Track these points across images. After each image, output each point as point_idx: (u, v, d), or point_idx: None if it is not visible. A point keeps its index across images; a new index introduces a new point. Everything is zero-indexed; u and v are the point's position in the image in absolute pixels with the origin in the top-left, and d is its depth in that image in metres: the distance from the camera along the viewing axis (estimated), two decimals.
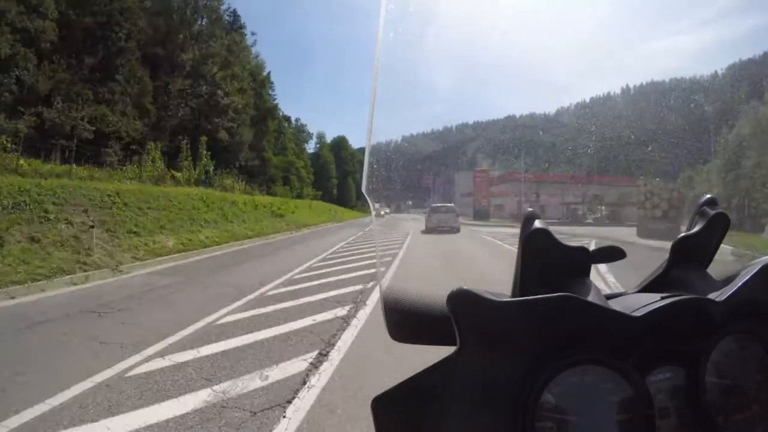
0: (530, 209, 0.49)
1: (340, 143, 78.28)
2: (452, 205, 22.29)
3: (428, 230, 19.77)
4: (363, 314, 5.11)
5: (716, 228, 0.54)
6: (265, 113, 39.29)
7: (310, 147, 71.87)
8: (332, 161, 71.26)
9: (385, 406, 0.41)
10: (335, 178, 70.23)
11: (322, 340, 4.17)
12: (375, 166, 0.65)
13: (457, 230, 19.63)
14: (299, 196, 45.43)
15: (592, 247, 0.54)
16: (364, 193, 0.56)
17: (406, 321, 0.47)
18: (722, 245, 0.56)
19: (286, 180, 44.61)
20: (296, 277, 7.77)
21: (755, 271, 0.45)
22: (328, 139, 76.94)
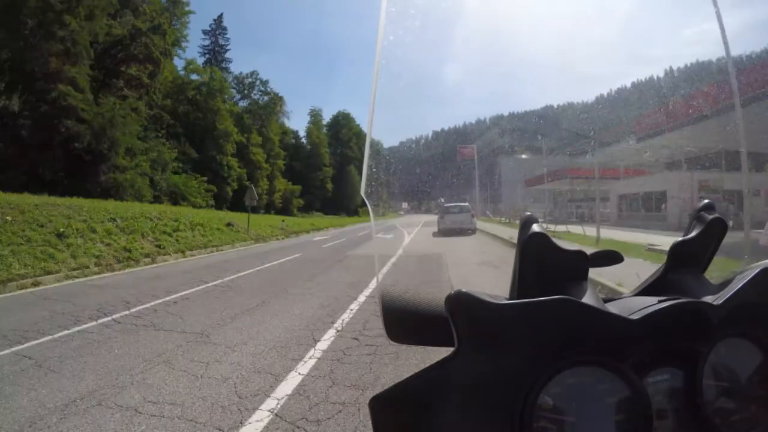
0: (528, 213, 0.50)
1: (340, 121, 60.17)
2: (466, 204, 20.58)
3: (441, 232, 18.35)
4: None
5: (713, 233, 0.55)
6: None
7: (300, 127, 56.98)
8: (325, 144, 54.19)
9: (383, 406, 0.41)
10: (328, 166, 53.93)
11: None
12: (374, 169, 0.65)
13: (473, 232, 18.37)
14: (225, 205, 28.91)
15: (589, 251, 0.54)
16: (363, 197, 0.56)
17: (404, 322, 0.47)
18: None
19: (205, 171, 29.32)
20: None
21: (752, 275, 0.46)
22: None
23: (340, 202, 56.66)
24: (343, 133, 61.34)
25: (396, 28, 0.60)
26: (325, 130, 59.59)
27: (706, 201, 0.56)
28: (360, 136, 60.27)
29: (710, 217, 0.54)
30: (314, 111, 59.53)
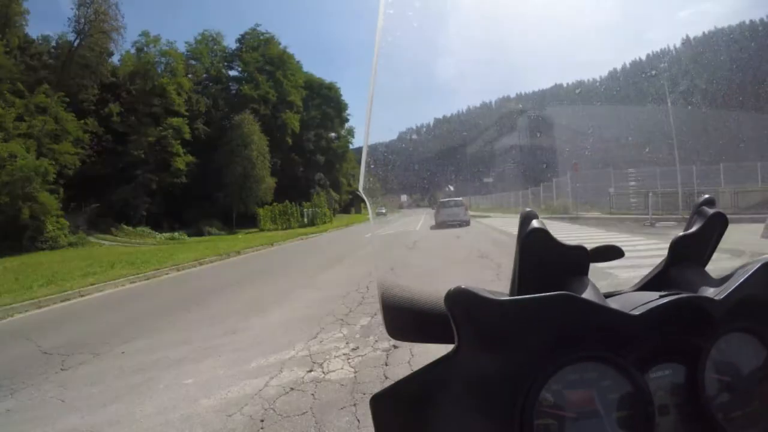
0: (528, 209, 0.49)
1: (250, 42, 35.33)
2: (461, 199, 21.51)
3: (438, 225, 18.92)
4: None
5: (714, 227, 0.54)
6: None
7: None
8: (179, 69, 28.85)
9: (384, 404, 0.41)
10: (185, 115, 28.03)
11: None
12: (372, 165, 0.65)
13: (467, 224, 18.82)
14: None
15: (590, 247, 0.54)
16: (361, 193, 0.56)
17: (405, 319, 0.47)
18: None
19: None
20: None
21: (753, 270, 0.45)
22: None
23: (215, 200, 29.40)
24: (245, 57, 34.43)
25: (394, 29, 0.60)
26: (229, 67, 35.78)
27: (707, 196, 0.56)
28: (283, 63, 37.43)
29: (711, 211, 0.53)
30: (206, 35, 33.16)
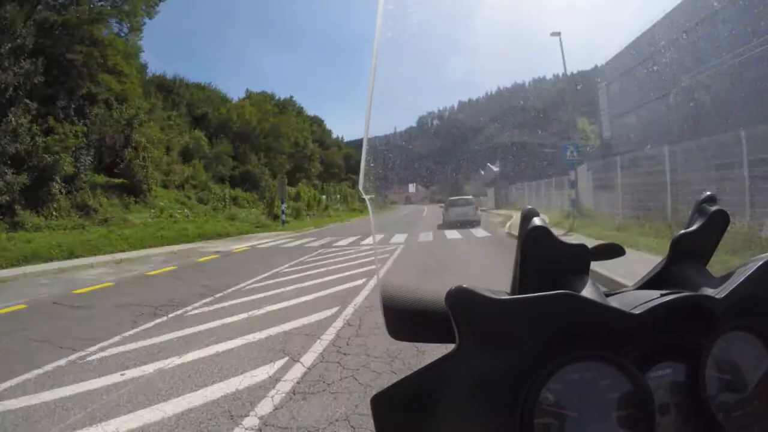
0: (529, 206, 0.49)
1: None
2: (471, 197, 20.33)
3: (446, 225, 17.93)
4: None
5: (716, 225, 0.54)
6: None
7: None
8: None
9: (385, 404, 0.41)
10: None
11: None
12: (372, 164, 0.64)
13: (478, 223, 17.66)
14: None
15: (591, 245, 0.54)
16: (361, 191, 0.56)
17: (405, 318, 0.47)
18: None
19: None
20: None
21: (755, 268, 0.45)
22: None
23: None
24: None
25: (395, 24, 0.59)
26: None
27: (708, 193, 0.55)
28: None
29: (712, 209, 0.53)
30: None
